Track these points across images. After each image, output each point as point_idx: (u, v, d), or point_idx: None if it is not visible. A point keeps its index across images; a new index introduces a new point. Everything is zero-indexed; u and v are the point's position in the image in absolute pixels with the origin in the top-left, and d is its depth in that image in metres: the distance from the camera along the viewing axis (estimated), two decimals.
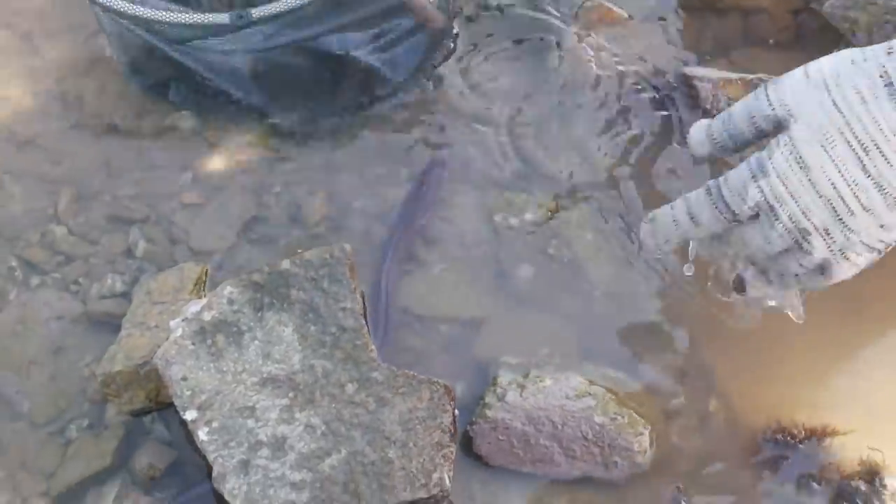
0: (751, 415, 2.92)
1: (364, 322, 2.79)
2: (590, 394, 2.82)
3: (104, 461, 2.87)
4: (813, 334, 2.99)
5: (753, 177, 2.33)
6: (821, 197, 2.24)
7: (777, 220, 2.32)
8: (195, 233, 3.31)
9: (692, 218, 2.53)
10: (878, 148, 2.15)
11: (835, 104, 2.21)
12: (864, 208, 2.18)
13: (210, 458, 2.60)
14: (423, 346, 3.03)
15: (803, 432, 2.83)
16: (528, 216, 3.27)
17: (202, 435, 2.63)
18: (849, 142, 2.18)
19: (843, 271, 2.35)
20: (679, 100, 3.58)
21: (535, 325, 3.07)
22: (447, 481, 2.59)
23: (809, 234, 2.29)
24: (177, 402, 2.68)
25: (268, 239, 3.30)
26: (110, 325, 3.08)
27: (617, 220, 3.30)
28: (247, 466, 2.59)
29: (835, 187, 2.21)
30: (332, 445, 2.63)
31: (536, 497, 2.76)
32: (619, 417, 2.78)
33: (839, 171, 2.20)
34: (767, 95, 2.38)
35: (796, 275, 2.44)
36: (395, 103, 3.64)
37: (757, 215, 2.38)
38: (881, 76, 2.17)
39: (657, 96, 3.63)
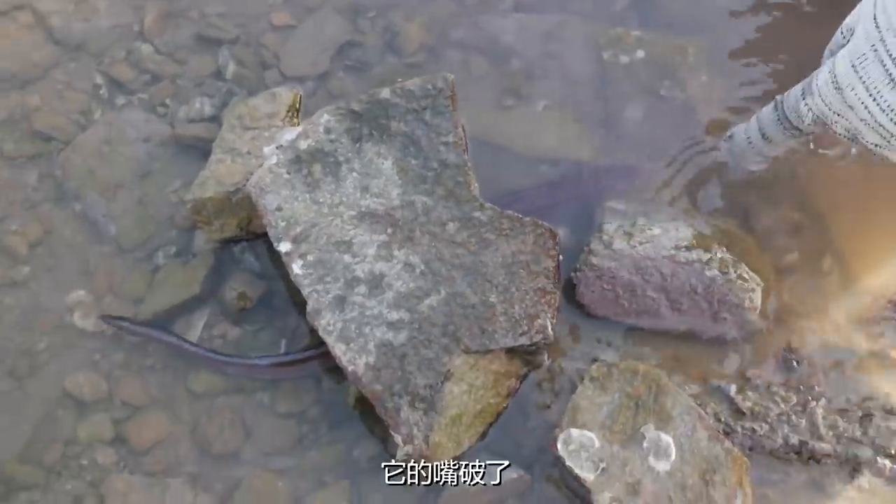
0: (866, 276, 2.67)
1: (466, 158, 2.52)
2: (701, 246, 2.56)
3: (193, 289, 2.69)
4: None
5: (802, 95, 2.13)
6: (862, 121, 1.89)
7: (835, 132, 2.10)
8: (286, 56, 3.05)
9: (764, 136, 2.43)
10: None
11: (874, 18, 1.82)
12: None
13: (304, 292, 2.40)
14: (524, 188, 2.76)
15: None
16: (640, 54, 2.92)
17: (297, 268, 2.42)
18: (881, 60, 1.80)
19: None
20: None
21: (643, 170, 2.76)
22: (550, 329, 2.38)
23: (867, 145, 2.00)
24: (270, 233, 2.47)
25: (362, 66, 3.04)
26: (199, 149, 2.87)
27: (736, 61, 2.96)
28: (343, 303, 2.39)
29: (869, 111, 1.83)
30: (431, 286, 2.42)
31: (639, 350, 2.56)
32: (731, 272, 2.53)
33: (870, 94, 1.82)
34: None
35: None
36: None
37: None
38: None
39: None
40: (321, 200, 2.48)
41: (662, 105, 2.91)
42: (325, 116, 2.57)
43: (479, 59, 3.03)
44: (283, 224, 2.45)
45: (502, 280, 2.39)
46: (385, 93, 2.58)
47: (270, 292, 2.72)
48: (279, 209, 2.46)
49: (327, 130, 2.55)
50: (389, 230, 2.44)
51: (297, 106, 2.85)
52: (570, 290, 2.61)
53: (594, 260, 2.58)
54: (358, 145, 2.53)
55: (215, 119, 2.98)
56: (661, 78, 2.95)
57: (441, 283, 2.38)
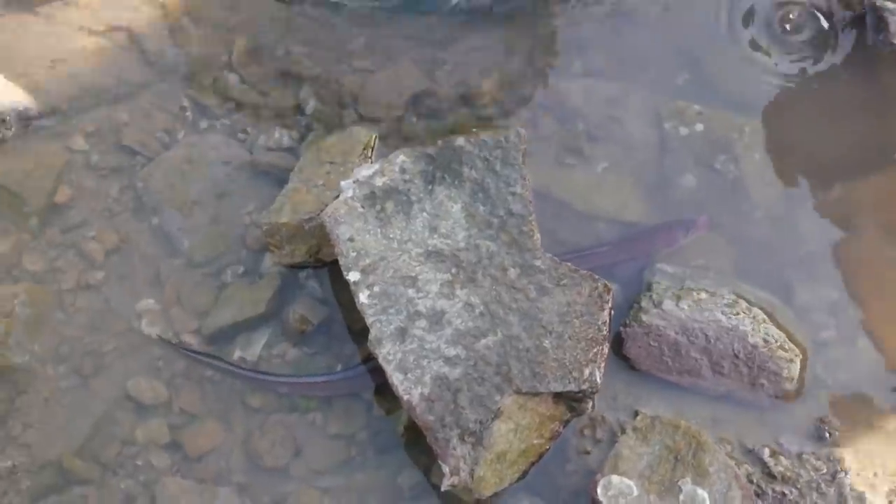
0: None
1: (531, 209, 2.61)
2: (746, 313, 2.64)
3: (257, 308, 2.78)
4: None
5: None
6: None
7: None
8: (364, 98, 3.17)
9: None
10: None
11: None
12: None
13: (368, 321, 2.48)
14: (579, 242, 2.85)
15: None
16: (699, 127, 3.02)
17: (363, 297, 2.51)
18: None
19: None
20: (869, 29, 3.29)
21: (694, 238, 2.85)
22: (598, 378, 2.45)
23: None
24: (341, 262, 2.56)
25: (435, 114, 3.15)
26: (274, 176, 2.99)
27: (789, 144, 3.06)
28: (403, 334, 2.47)
29: None
30: (489, 326, 2.50)
31: (678, 408, 2.63)
32: (772, 341, 2.60)
33: None
34: None
35: None
36: None
37: None
38: None
39: (844, 20, 3.36)
40: (391, 236, 2.57)
41: (716, 178, 3.00)
42: (401, 157, 2.67)
43: (547, 117, 3.13)
44: (354, 254, 2.54)
45: (556, 327, 2.47)
46: (460, 140, 2.68)
47: (330, 319, 2.81)
48: (351, 240, 2.55)
49: (402, 170, 2.65)
50: (453, 270, 2.53)
51: (373, 145, 2.95)
52: (616, 344, 2.70)
53: (644, 317, 2.66)
54: (430, 187, 2.63)
55: (292, 150, 3.09)
56: (716, 152, 3.04)
57: (498, 324, 2.46)
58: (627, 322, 2.70)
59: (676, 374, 2.65)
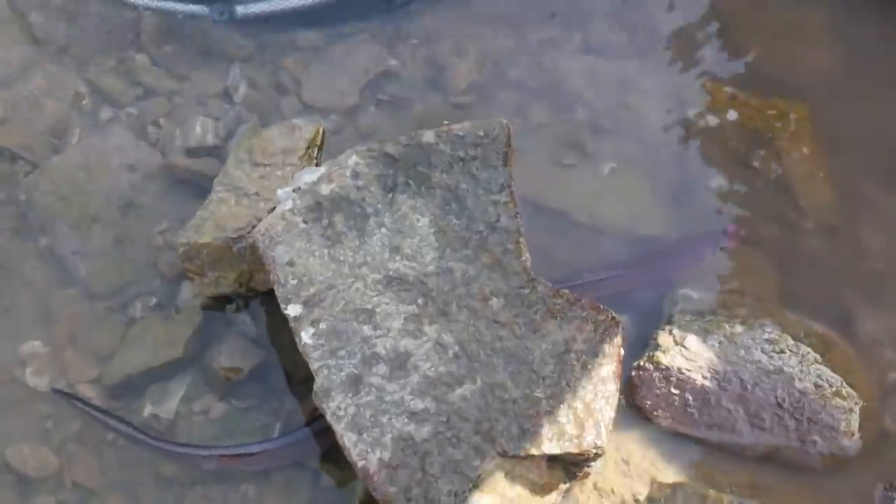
0: None
1: (519, 222, 2.60)
2: (793, 351, 2.62)
3: (174, 351, 2.76)
4: None
5: None
6: None
7: None
8: (309, 83, 3.16)
9: None
10: None
11: None
12: None
13: (313, 366, 2.46)
14: (580, 263, 2.84)
15: None
16: (732, 115, 3.01)
17: (306, 337, 2.49)
18: None
19: None
20: None
21: (725, 253, 2.84)
22: (603, 436, 2.43)
23: None
24: (278, 292, 2.54)
25: (399, 102, 3.14)
26: (194, 185, 2.98)
27: (846, 135, 3.05)
28: (358, 384, 2.45)
29: None
30: (465, 372, 2.48)
31: (707, 472, 2.61)
32: (826, 386, 2.59)
33: None
34: None
35: None
36: None
37: None
38: None
39: None
40: (341, 258, 2.55)
41: (753, 179, 2.99)
42: (354, 158, 2.65)
43: (539, 105, 3.12)
44: (295, 282, 2.51)
45: (551, 372, 2.45)
46: (428, 136, 2.67)
47: (267, 364, 2.79)
48: (291, 264, 2.53)
49: (355, 175, 2.63)
50: (420, 301, 2.51)
51: (319, 143, 2.94)
52: (628, 392, 2.69)
53: (662, 358, 2.65)
54: (390, 196, 2.62)
55: (217, 150, 3.08)
56: (754, 146, 3.04)
57: (478, 369, 2.44)
58: (642, 364, 2.70)
59: (705, 429, 2.64)
